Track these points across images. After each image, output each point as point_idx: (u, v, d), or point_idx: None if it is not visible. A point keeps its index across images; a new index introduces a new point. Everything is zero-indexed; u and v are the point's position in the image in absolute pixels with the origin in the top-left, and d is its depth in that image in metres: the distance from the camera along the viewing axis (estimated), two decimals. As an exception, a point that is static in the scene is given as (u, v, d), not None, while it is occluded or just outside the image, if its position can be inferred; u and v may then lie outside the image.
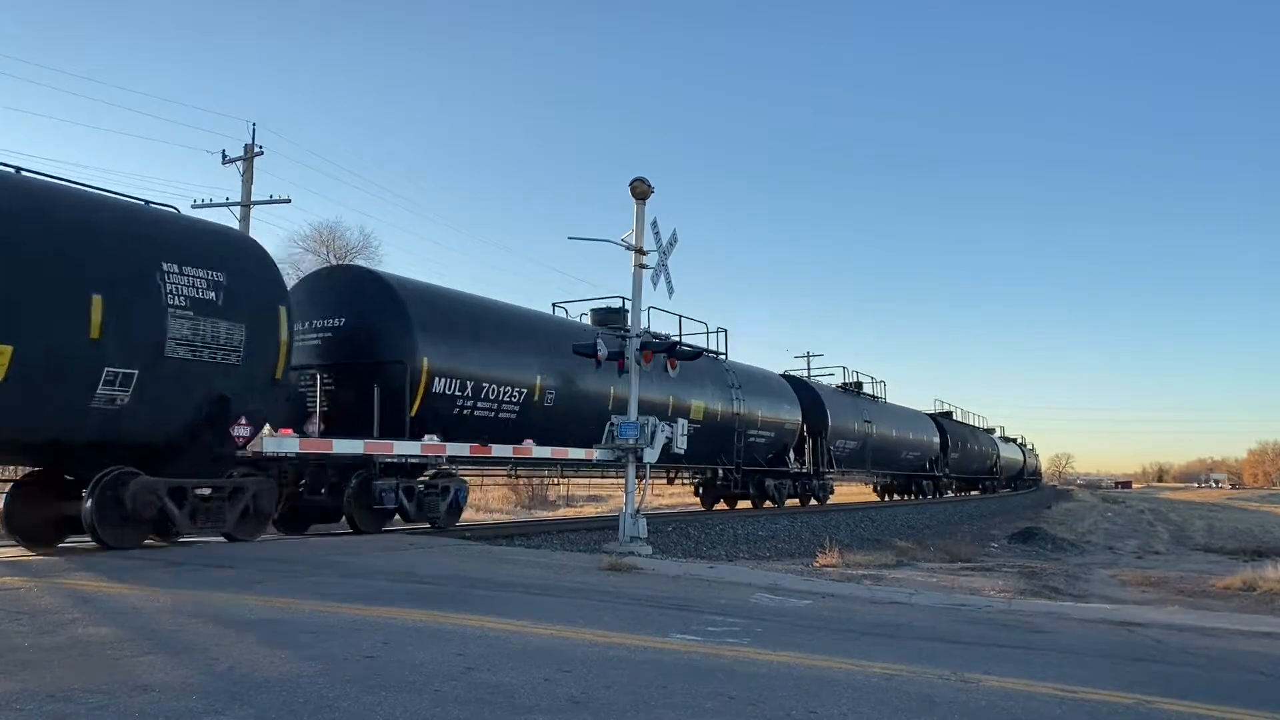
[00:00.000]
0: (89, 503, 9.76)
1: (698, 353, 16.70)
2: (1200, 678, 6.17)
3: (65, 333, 9.21)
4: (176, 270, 10.15)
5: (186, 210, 12.51)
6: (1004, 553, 22.03)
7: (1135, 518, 47.99)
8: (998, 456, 57.71)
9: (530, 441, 15.47)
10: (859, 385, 36.13)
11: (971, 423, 54.07)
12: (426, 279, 16.22)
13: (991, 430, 62.26)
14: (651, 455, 13.29)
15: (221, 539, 11.35)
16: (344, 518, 13.66)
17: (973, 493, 54.30)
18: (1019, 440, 76.74)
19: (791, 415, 27.19)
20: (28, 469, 11.18)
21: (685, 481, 27.99)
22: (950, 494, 46.97)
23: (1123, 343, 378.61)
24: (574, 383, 17.02)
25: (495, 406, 15.42)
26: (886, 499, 40.65)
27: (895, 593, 10.56)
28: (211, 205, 29.51)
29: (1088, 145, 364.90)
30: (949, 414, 48.82)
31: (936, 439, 41.75)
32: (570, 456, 16.37)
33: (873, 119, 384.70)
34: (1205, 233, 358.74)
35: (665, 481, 28.72)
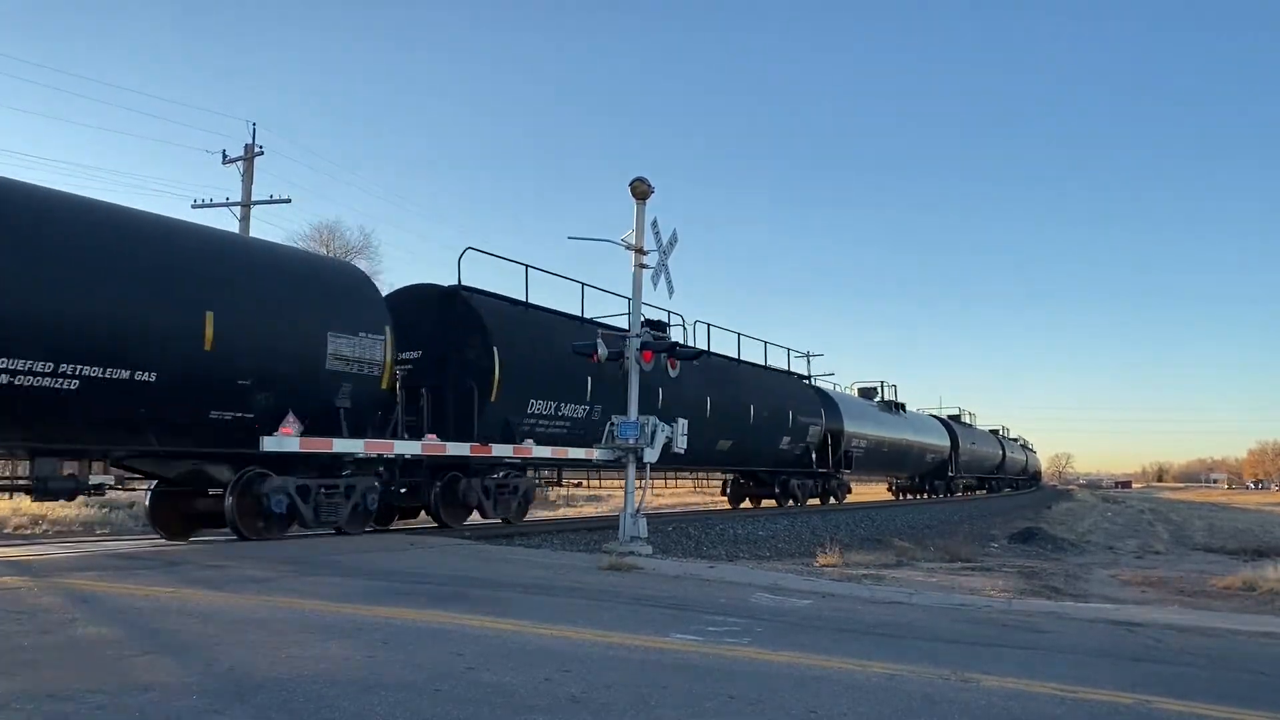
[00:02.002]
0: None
1: (698, 353, 16.70)
2: (1200, 678, 6.17)
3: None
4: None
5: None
6: (1004, 553, 22.01)
7: (1135, 517, 47.96)
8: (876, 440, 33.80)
9: (530, 441, 15.47)
10: None
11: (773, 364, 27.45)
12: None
13: (899, 406, 38.65)
14: (652, 455, 13.30)
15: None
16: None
17: (813, 502, 29.83)
18: (959, 417, 51.51)
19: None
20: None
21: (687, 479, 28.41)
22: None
23: (1123, 343, 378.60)
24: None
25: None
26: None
27: (896, 592, 10.56)
28: (212, 205, 29.56)
29: (1089, 146, 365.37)
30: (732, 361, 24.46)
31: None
32: (570, 456, 16.37)
33: (873, 117, 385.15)
34: (1205, 233, 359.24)
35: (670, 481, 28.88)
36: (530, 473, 17.18)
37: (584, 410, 16.83)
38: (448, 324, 15.14)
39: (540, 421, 15.94)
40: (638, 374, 13.36)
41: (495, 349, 14.79)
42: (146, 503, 12.90)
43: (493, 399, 14.72)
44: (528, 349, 15.72)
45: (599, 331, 14.97)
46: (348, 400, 12.46)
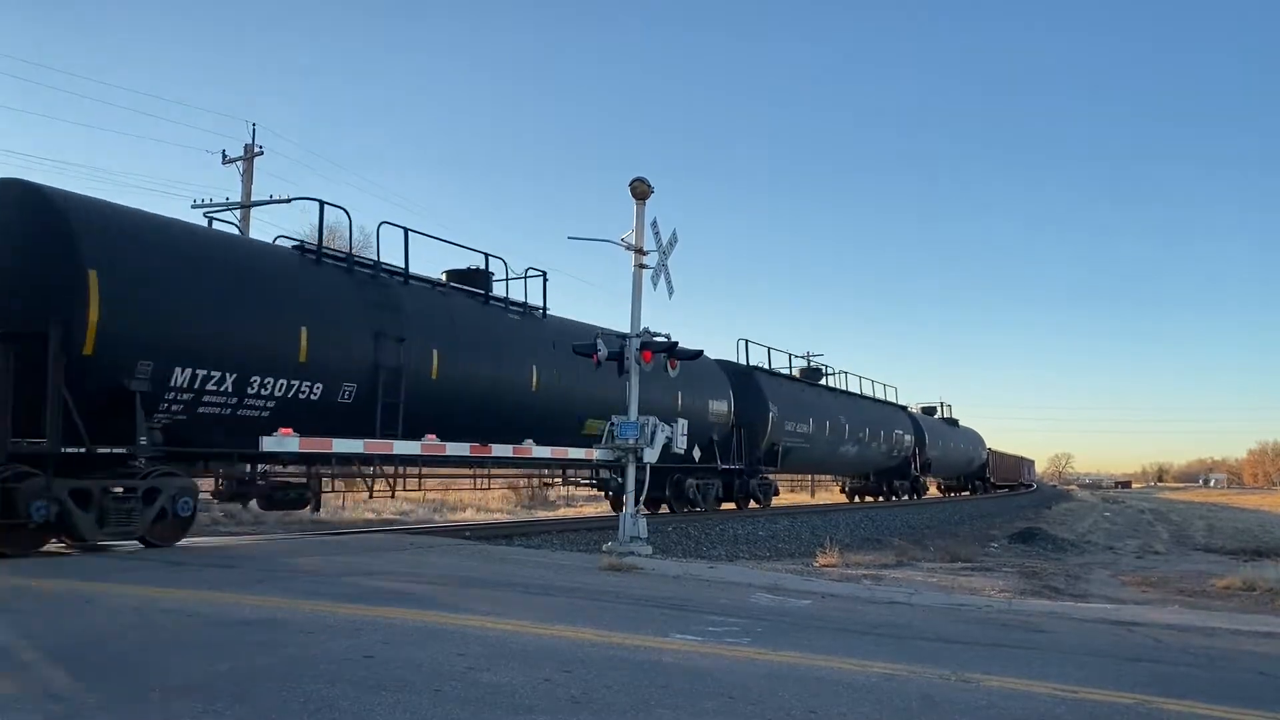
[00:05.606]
0: None
1: (698, 353, 16.66)
2: (1200, 678, 6.17)
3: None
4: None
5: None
6: (1004, 553, 22.00)
7: (1135, 518, 47.92)
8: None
9: (530, 441, 15.45)
10: None
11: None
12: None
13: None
14: (651, 455, 13.29)
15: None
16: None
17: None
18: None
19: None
20: None
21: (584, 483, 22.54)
22: None
23: (1123, 343, 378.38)
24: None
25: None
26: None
27: (895, 592, 10.57)
28: (211, 205, 29.52)
29: (1089, 147, 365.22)
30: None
31: None
32: (570, 456, 16.34)
33: (871, 118, 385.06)
34: (1205, 234, 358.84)
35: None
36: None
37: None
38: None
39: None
40: (638, 374, 13.35)
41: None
42: None
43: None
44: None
45: (599, 331, 14.91)
46: None
